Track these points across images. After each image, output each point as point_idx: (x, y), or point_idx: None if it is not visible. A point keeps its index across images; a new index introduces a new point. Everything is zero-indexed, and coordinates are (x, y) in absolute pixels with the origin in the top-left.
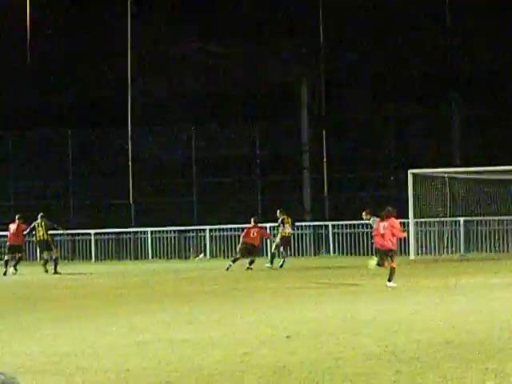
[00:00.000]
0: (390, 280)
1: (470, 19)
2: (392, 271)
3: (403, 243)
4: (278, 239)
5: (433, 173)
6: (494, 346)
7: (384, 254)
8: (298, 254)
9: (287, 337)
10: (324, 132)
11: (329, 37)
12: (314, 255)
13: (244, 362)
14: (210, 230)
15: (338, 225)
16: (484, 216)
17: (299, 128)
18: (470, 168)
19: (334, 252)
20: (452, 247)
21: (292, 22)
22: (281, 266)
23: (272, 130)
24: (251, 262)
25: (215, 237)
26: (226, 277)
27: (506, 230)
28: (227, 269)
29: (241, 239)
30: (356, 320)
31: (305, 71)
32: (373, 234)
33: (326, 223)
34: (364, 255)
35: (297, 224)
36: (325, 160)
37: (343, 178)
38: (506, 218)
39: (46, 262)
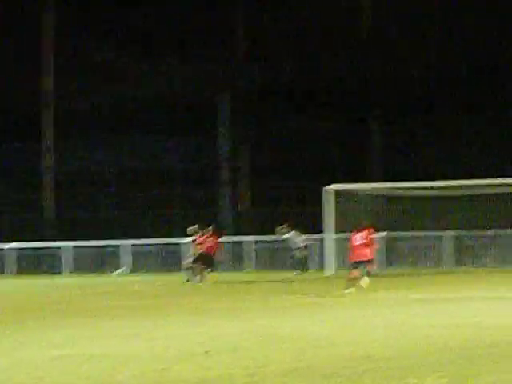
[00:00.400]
0: (349, 288)
1: (390, 32)
2: (355, 280)
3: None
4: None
5: (353, 188)
6: (414, 361)
7: (358, 265)
8: (219, 270)
9: (205, 352)
10: (244, 146)
11: (249, 51)
12: (235, 270)
13: (162, 377)
14: (131, 245)
15: (258, 240)
16: (405, 231)
17: (219, 142)
18: (390, 183)
19: (256, 267)
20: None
21: (213, 35)
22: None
23: (191, 144)
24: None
25: (136, 251)
26: (146, 291)
27: (427, 246)
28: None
29: (194, 249)
30: (275, 335)
31: (225, 85)
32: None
33: (246, 238)
34: (284, 270)
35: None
36: (246, 174)
37: (263, 192)
38: (426, 233)
39: None
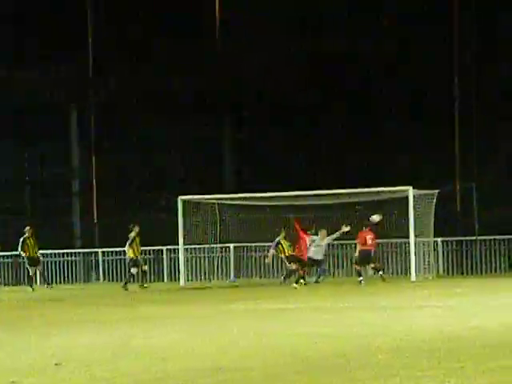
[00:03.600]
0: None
1: (240, 40)
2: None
3: (175, 271)
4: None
5: (203, 199)
6: (265, 372)
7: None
8: (68, 281)
9: (56, 364)
10: (93, 156)
11: (98, 58)
12: (84, 282)
13: None
14: None
15: (108, 251)
16: (253, 242)
17: (69, 152)
18: (240, 194)
19: (104, 279)
20: (222, 273)
21: (62, 42)
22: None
23: (42, 154)
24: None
25: None
26: None
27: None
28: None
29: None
30: (126, 347)
31: (74, 94)
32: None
33: (96, 250)
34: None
35: (66, 251)
36: (94, 185)
37: (113, 202)
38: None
39: None
